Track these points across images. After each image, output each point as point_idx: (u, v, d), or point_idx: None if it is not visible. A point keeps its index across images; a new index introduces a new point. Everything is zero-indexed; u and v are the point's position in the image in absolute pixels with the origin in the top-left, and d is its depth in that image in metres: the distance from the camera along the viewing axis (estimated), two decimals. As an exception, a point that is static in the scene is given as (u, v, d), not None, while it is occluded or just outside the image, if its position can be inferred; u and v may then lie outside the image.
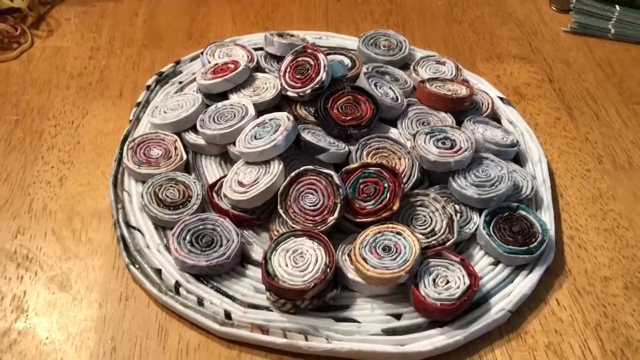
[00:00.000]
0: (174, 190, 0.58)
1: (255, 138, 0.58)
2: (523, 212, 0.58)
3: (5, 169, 0.63)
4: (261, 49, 0.74)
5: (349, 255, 0.54)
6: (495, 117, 0.70)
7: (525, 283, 0.55)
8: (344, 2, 0.89)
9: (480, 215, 0.58)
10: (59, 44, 0.79)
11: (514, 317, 0.54)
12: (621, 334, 0.53)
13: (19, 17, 0.81)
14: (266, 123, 0.60)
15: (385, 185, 0.55)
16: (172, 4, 0.86)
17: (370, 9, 0.89)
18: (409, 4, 0.90)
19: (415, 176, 0.58)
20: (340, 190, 0.54)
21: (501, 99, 0.73)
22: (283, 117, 0.59)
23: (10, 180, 0.62)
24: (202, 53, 0.72)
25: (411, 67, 0.73)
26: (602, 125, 0.73)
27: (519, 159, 0.66)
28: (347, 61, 0.72)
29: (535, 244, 0.56)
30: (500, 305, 0.54)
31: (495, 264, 0.57)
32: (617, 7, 0.85)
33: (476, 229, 0.57)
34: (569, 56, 0.83)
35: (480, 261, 0.57)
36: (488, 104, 0.69)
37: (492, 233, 0.56)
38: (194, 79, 0.71)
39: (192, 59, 0.75)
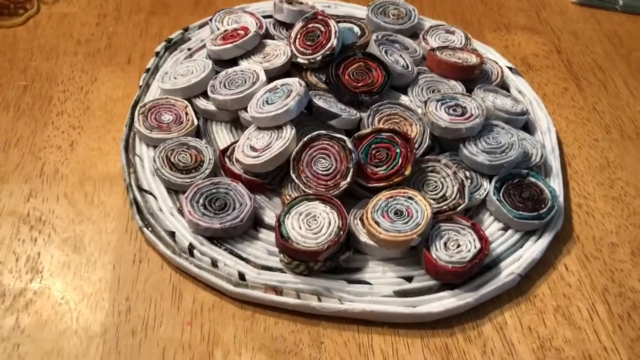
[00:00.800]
0: (186, 154, 0.58)
1: (267, 103, 0.58)
2: (533, 179, 0.59)
3: (15, 134, 0.63)
4: (270, 16, 0.73)
5: (361, 219, 0.55)
6: (504, 86, 0.70)
7: (534, 248, 0.56)
8: (351, -29, 0.89)
9: (490, 182, 0.58)
10: (66, 10, 0.78)
11: (523, 281, 0.55)
12: (628, 298, 0.54)
13: (25, -17, 0.80)
14: (278, 88, 0.60)
15: (398, 150, 0.56)
16: (178, -28, 0.85)
17: (378, -21, 0.88)
18: (417, -26, 0.90)
19: (427, 142, 0.59)
20: (353, 155, 0.54)
21: (510, 68, 0.73)
22: (295, 83, 0.59)
23: (21, 145, 0.62)
24: (210, 20, 0.72)
25: (420, 36, 0.73)
26: (610, 95, 0.74)
27: (528, 127, 0.66)
28: (356, 29, 0.72)
29: (544, 209, 0.56)
30: (510, 269, 0.54)
31: (505, 229, 0.57)
32: (626, -21, 0.85)
33: (486, 195, 0.58)
34: (576, 28, 0.83)
35: (490, 226, 0.57)
36: (497, 73, 0.69)
37: (502, 199, 0.57)
38: (203, 46, 0.71)
39: (201, 26, 0.75)
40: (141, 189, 0.58)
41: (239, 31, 0.67)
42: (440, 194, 0.56)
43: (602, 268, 0.56)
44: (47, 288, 0.52)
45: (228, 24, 0.71)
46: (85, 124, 0.65)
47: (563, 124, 0.70)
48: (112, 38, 0.75)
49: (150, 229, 0.55)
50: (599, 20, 0.84)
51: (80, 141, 0.63)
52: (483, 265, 0.53)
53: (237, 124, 0.63)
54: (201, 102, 0.63)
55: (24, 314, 0.50)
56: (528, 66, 0.77)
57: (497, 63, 0.71)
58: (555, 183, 0.61)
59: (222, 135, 0.63)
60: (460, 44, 0.72)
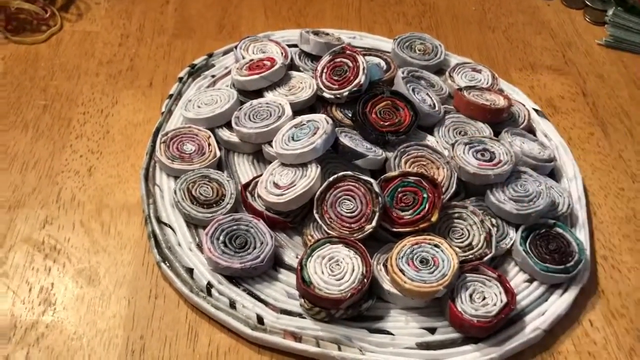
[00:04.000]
0: (207, 188, 0.57)
1: (293, 139, 0.57)
2: (560, 230, 0.57)
3: (33, 156, 0.62)
4: (294, 45, 0.72)
5: (384, 265, 0.53)
6: (530, 130, 0.69)
7: (560, 302, 0.54)
8: (377, 1, 0.88)
9: (515, 231, 0.57)
10: (89, 28, 0.77)
11: (547, 336, 0.53)
12: (655, 359, 0.53)
13: (48, -1, 0.79)
14: (304, 124, 0.58)
15: (425, 195, 0.54)
16: (203, -6, 0.85)
17: (403, 10, 0.87)
18: (443, 7, 0.89)
19: (454, 187, 0.57)
20: (380, 198, 0.53)
21: (536, 110, 0.72)
22: (322, 120, 0.58)
23: (39, 167, 0.61)
24: (235, 47, 0.71)
25: (447, 73, 0.72)
26: (636, 143, 0.73)
27: (553, 173, 0.65)
28: (382, 63, 0.71)
29: (572, 263, 0.55)
30: (535, 324, 0.53)
31: (530, 281, 0.56)
32: (654, 23, 0.84)
33: (512, 245, 0.57)
34: (603, 70, 0.82)
35: (515, 278, 0.56)
36: (524, 115, 0.68)
37: (529, 250, 0.56)
38: (227, 73, 0.70)
39: (225, 53, 0.74)
40: (160, 221, 0.56)
41: (265, 62, 0.66)
42: (467, 242, 0.55)
43: (629, 326, 0.55)
44: (60, 322, 0.50)
45: (253, 53, 0.70)
46: (105, 149, 0.64)
47: (589, 171, 0.69)
48: (134, 60, 0.74)
49: (167, 264, 0.54)
50: (625, 64, 0.83)
51: (98, 167, 0.62)
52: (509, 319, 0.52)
53: (260, 157, 0.62)
54: (224, 133, 0.62)
55: (35, 348, 0.49)
56: (554, 108, 0.76)
57: (524, 105, 0.70)
58: (582, 234, 0.60)
59: (244, 168, 0.62)
60: (487, 83, 0.71)
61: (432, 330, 0.51)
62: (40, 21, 0.75)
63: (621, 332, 0.54)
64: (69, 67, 0.72)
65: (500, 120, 0.66)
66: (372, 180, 0.54)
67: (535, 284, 0.56)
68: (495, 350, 0.50)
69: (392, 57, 0.73)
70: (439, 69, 0.74)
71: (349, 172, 0.54)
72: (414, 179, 0.55)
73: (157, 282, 0.54)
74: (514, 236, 0.57)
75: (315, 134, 0.57)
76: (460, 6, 0.90)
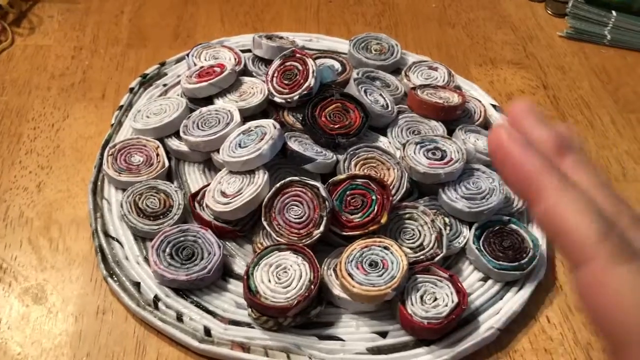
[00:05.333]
0: (154, 199, 0.56)
1: (240, 146, 0.56)
2: (514, 226, 0.57)
3: (-19, 174, 0.61)
4: (249, 50, 0.72)
5: (334, 270, 0.53)
6: (487, 125, 0.68)
7: (515, 300, 0.54)
8: (335, 3, 0.87)
9: (469, 229, 0.56)
10: (41, 42, 0.77)
11: (502, 335, 0.52)
12: (612, 353, 0.52)
13: (0, 14, 0.78)
14: (251, 130, 0.58)
15: (373, 197, 0.54)
16: (159, 3, 0.84)
17: (362, 11, 0.87)
18: (402, 5, 0.88)
19: (405, 187, 0.57)
20: (327, 202, 0.52)
21: (494, 106, 0.71)
22: (269, 125, 0.57)
23: (-14, 185, 0.60)
24: (187, 55, 0.70)
25: (402, 73, 0.71)
26: (597, 134, 0.72)
27: (511, 169, 0.64)
28: (337, 65, 0.70)
29: (526, 259, 0.54)
30: (489, 323, 0.52)
31: (485, 279, 0.55)
32: (614, 13, 0.84)
33: (465, 243, 0.56)
34: (564, 62, 0.82)
35: (470, 276, 0.55)
36: (480, 112, 0.68)
37: (482, 248, 0.55)
38: (179, 82, 0.69)
39: (178, 61, 0.73)
40: (108, 235, 0.56)
41: (215, 68, 0.65)
42: (418, 242, 0.54)
43: (586, 321, 0.54)
44: (4, 342, 0.49)
45: (206, 59, 0.69)
46: (54, 164, 0.63)
47: (548, 165, 0.68)
48: (87, 72, 0.73)
49: (115, 278, 0.53)
50: (586, 55, 0.83)
51: (48, 182, 0.61)
52: (461, 319, 0.51)
53: (211, 165, 0.61)
54: (173, 143, 0.61)
55: (-22, 371, 0.48)
56: (513, 103, 0.75)
57: (480, 101, 0.69)
58: (539, 229, 0.59)
59: (194, 177, 0.61)
60: (443, 81, 0.71)
61: (383, 334, 0.51)
62: (-9, 37, 0.75)
63: (578, 327, 0.54)
64: (19, 82, 0.71)
65: (455, 117, 0.65)
66: (319, 185, 0.53)
67: (490, 282, 0.55)
68: (447, 352, 0.50)
69: (347, 59, 0.72)
70: (396, 69, 0.73)
71: (296, 178, 0.54)
72: (362, 181, 0.55)
73: (105, 297, 0.53)
74: (467, 234, 0.56)
75: (262, 139, 0.56)
76: (420, 4, 0.89)
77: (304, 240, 0.52)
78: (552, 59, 0.82)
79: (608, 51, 0.84)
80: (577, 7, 0.85)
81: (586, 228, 0.24)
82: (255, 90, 0.64)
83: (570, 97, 0.77)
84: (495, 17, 0.88)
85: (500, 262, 0.54)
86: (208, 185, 0.57)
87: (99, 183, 0.60)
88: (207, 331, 0.49)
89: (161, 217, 0.55)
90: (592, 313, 0.25)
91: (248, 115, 0.62)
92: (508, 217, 0.57)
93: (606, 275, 0.23)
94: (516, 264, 0.54)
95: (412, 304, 0.50)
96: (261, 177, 0.55)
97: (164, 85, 0.70)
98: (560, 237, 0.25)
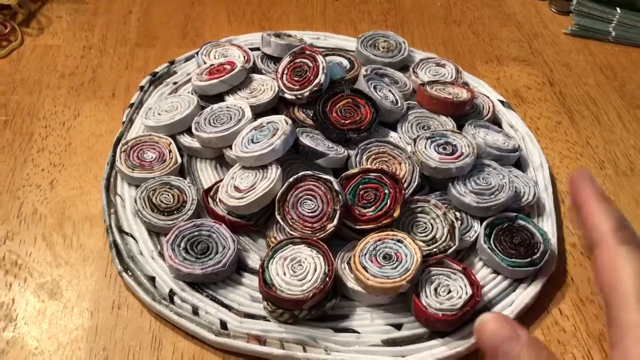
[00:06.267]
0: (168, 195, 0.56)
1: (252, 142, 0.57)
2: (522, 222, 0.57)
3: (-7, 172, 0.62)
4: (257, 49, 0.72)
5: (348, 263, 0.53)
6: (495, 121, 0.69)
7: (527, 292, 0.54)
8: (341, 1, 0.88)
9: (480, 223, 0.57)
10: (50, 42, 0.77)
11: (516, 327, 0.53)
12: (625, 344, 0.52)
13: (9, 14, 0.79)
14: (264, 126, 0.58)
15: (386, 191, 0.54)
16: (166, 2, 0.84)
17: (368, 9, 0.87)
18: (408, 4, 0.89)
19: (416, 182, 0.57)
20: (340, 196, 0.52)
21: (501, 102, 0.72)
22: (281, 121, 0.58)
23: (-1, 183, 0.61)
24: (197, 53, 0.71)
25: (410, 69, 0.72)
26: (604, 129, 0.73)
27: (520, 164, 0.65)
28: (345, 63, 0.71)
29: (537, 255, 0.55)
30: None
31: (497, 272, 0.55)
32: (618, 10, 0.84)
33: (476, 238, 0.56)
34: (569, 59, 0.82)
35: (482, 270, 0.56)
36: (489, 107, 0.68)
37: (494, 247, 0.55)
38: (189, 80, 0.70)
39: (187, 59, 0.73)
40: (122, 231, 0.56)
41: (225, 66, 0.65)
42: (430, 235, 0.55)
43: (598, 312, 0.55)
44: (21, 337, 0.50)
45: (215, 58, 0.70)
46: (67, 161, 0.63)
47: (556, 159, 0.68)
48: (96, 71, 0.73)
49: (129, 273, 0.53)
50: (591, 52, 0.84)
51: (60, 179, 0.61)
52: (475, 311, 0.52)
53: (222, 161, 0.62)
54: (185, 139, 0.62)
55: (-4, 365, 0.48)
56: (520, 99, 0.75)
57: (488, 97, 0.70)
58: (549, 222, 0.59)
59: (206, 173, 0.61)
60: (451, 77, 0.71)
61: (398, 327, 0.51)
62: (1, 37, 0.75)
63: (590, 319, 0.54)
64: (30, 82, 0.71)
65: (464, 113, 0.65)
66: (332, 179, 0.53)
67: (501, 275, 0.55)
68: (462, 344, 0.50)
69: (355, 56, 0.73)
70: (404, 66, 0.74)
71: (309, 172, 0.54)
72: (374, 175, 0.55)
73: (120, 292, 0.53)
74: (478, 229, 0.56)
75: (274, 135, 0.56)
76: (425, 2, 0.90)
77: (317, 234, 0.52)
78: (558, 56, 0.82)
79: (613, 48, 0.84)
80: (581, 4, 0.86)
81: (604, 224, 0.35)
82: (265, 87, 0.65)
83: (577, 94, 0.77)
84: (500, 15, 0.89)
85: (514, 260, 0.54)
86: (221, 180, 0.57)
87: (112, 180, 0.60)
88: (223, 324, 0.50)
89: (175, 212, 0.55)
90: (599, 279, 0.34)
91: (259, 112, 0.63)
92: (515, 214, 0.57)
93: (612, 251, 0.34)
94: (529, 259, 0.54)
95: (426, 296, 0.50)
96: (274, 172, 0.55)
97: (174, 83, 0.70)
98: (587, 231, 0.36)
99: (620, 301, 0.33)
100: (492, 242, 0.55)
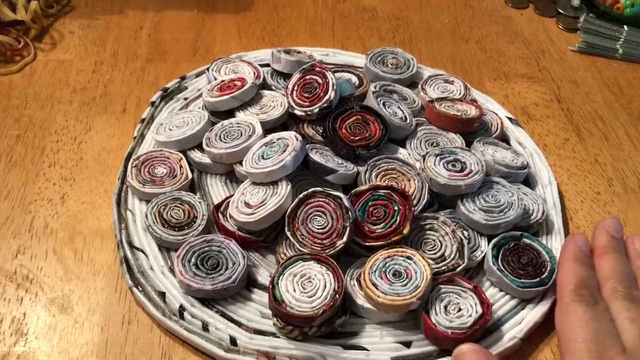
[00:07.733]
0: (178, 210, 0.57)
1: (263, 158, 0.57)
2: (527, 241, 0.57)
3: (5, 186, 0.62)
4: (267, 65, 0.73)
5: (357, 280, 0.53)
6: (504, 138, 0.69)
7: (536, 310, 0.54)
8: (350, 18, 0.89)
9: (487, 242, 0.57)
10: (62, 57, 0.78)
11: (525, 345, 0.53)
12: (635, 364, 0.52)
13: (22, 29, 0.80)
14: (274, 142, 0.59)
15: (396, 208, 0.54)
16: (177, 18, 0.85)
17: (376, 26, 0.88)
18: (416, 20, 0.90)
19: (425, 198, 0.57)
20: (350, 213, 0.53)
21: (510, 119, 0.72)
22: (291, 137, 0.58)
23: (11, 197, 0.61)
24: (207, 69, 0.71)
25: (419, 86, 0.72)
26: (612, 147, 0.73)
27: (528, 180, 0.65)
28: (354, 79, 0.71)
29: (546, 273, 0.54)
30: (512, 333, 0.52)
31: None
32: (625, 28, 0.85)
33: (483, 257, 0.56)
34: (577, 76, 0.83)
35: (490, 288, 0.56)
36: (497, 124, 0.69)
37: (503, 268, 0.55)
38: (200, 95, 0.70)
39: (198, 75, 0.74)
40: (132, 246, 0.56)
41: (235, 82, 0.66)
42: (439, 253, 0.55)
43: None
44: (32, 352, 0.50)
45: (225, 74, 0.70)
46: (78, 176, 0.64)
47: (564, 176, 0.69)
48: (108, 86, 0.74)
49: (140, 288, 0.53)
50: (599, 69, 0.84)
51: (71, 194, 0.62)
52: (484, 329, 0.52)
53: (233, 177, 0.62)
54: (196, 155, 0.62)
55: (6, 380, 0.48)
56: (528, 116, 0.76)
57: (496, 114, 0.70)
58: (557, 240, 0.59)
59: (216, 189, 0.62)
60: (460, 94, 0.72)
61: (407, 344, 0.51)
62: (14, 52, 0.76)
63: (600, 338, 0.54)
64: (42, 96, 0.72)
65: (472, 130, 0.66)
66: (342, 195, 0.54)
67: (511, 293, 0.55)
68: (471, 362, 0.50)
69: (364, 73, 0.73)
70: (412, 82, 0.74)
71: (319, 188, 0.54)
72: (384, 192, 0.55)
73: (130, 307, 0.53)
74: (485, 248, 0.56)
75: (284, 151, 0.57)
76: (433, 19, 0.90)
77: (327, 251, 0.53)
78: (565, 73, 0.83)
79: (620, 65, 0.85)
80: (589, 22, 0.86)
81: (565, 282, 0.51)
82: (275, 103, 0.65)
83: (584, 111, 0.77)
84: (507, 32, 0.89)
85: (523, 280, 0.54)
86: (231, 196, 0.58)
87: (123, 194, 0.60)
88: (233, 341, 0.50)
89: (185, 227, 0.56)
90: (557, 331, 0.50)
91: (269, 128, 0.63)
92: (520, 232, 0.57)
93: (563, 306, 0.49)
94: (537, 279, 0.54)
95: (436, 314, 0.50)
96: (284, 188, 0.55)
97: (185, 99, 0.71)
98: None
99: (564, 347, 0.47)
100: (500, 263, 0.55)
